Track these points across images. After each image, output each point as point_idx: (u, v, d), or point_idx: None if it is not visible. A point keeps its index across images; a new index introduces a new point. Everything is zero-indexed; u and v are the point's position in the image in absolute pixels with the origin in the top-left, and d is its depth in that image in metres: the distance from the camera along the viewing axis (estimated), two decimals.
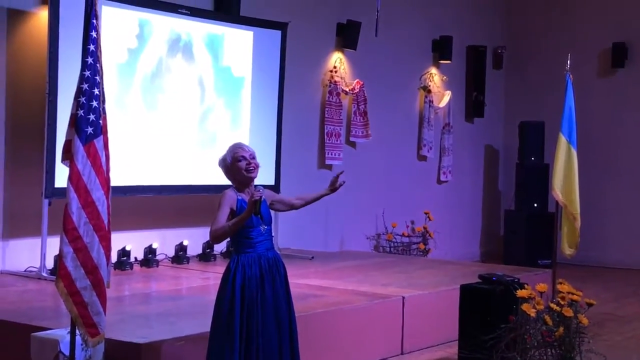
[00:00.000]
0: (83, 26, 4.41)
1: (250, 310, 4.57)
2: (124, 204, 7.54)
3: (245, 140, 8.73)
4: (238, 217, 4.53)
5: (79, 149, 4.32)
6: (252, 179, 4.71)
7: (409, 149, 11.89)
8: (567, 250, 7.97)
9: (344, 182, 4.88)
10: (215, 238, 4.60)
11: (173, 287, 7.33)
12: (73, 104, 4.40)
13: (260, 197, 4.49)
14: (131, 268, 7.85)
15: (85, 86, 4.36)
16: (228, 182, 4.73)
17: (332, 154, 10.47)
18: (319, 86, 10.41)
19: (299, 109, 9.99)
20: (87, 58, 4.38)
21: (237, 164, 4.68)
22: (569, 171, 7.94)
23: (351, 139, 10.76)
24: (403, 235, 11.16)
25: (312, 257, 8.93)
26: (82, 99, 4.35)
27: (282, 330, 4.67)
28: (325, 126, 10.38)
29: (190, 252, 8.49)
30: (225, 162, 4.73)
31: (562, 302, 5.99)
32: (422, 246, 11.09)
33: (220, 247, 8.77)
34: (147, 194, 8.21)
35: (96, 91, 4.39)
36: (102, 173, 4.37)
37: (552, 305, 5.95)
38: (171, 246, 8.41)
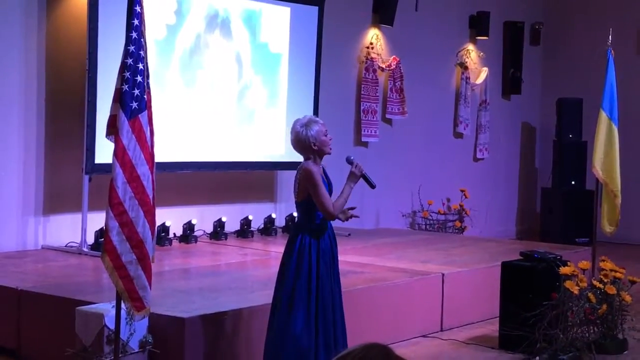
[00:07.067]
0: (127, 1, 4.42)
1: (324, 281, 4.75)
2: (163, 180, 7.50)
3: (282, 117, 8.73)
4: (350, 188, 4.84)
5: (124, 123, 4.33)
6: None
7: (445, 126, 11.81)
8: (607, 227, 7.89)
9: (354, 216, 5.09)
10: (339, 213, 4.81)
11: (212, 262, 7.36)
12: (117, 78, 4.41)
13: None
14: (170, 244, 7.89)
15: (129, 61, 4.36)
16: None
17: (368, 131, 10.42)
18: (355, 63, 10.35)
19: (336, 85, 9.94)
20: (132, 32, 4.38)
21: (323, 138, 4.82)
22: (610, 148, 7.83)
23: (387, 116, 10.70)
24: (439, 212, 11.11)
25: (349, 234, 8.91)
26: (127, 74, 4.36)
27: (341, 302, 4.91)
28: (361, 103, 10.34)
29: (228, 228, 8.52)
30: (306, 133, 4.78)
31: (605, 280, 5.95)
32: (458, 224, 11.05)
33: (257, 224, 8.80)
34: (186, 170, 8.24)
35: (140, 66, 4.40)
36: (147, 148, 4.38)
37: (595, 282, 5.91)
38: (209, 222, 8.44)
